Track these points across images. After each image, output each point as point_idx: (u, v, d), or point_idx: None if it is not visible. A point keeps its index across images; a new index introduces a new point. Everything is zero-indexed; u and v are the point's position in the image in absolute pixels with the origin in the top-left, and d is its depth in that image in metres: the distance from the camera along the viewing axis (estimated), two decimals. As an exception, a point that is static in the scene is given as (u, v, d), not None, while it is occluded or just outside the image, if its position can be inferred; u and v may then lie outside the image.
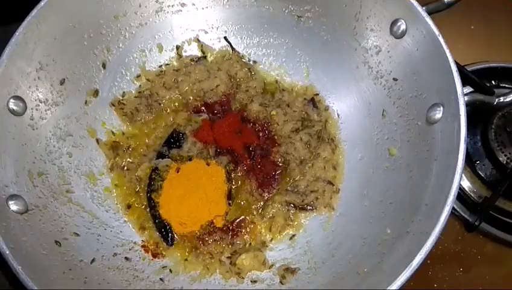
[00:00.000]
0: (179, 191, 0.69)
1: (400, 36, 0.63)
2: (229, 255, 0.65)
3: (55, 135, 0.65)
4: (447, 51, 0.56)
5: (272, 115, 0.74)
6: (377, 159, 0.67)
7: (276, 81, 0.78)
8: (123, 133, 0.73)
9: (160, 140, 0.73)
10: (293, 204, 0.68)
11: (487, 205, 0.71)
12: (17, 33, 0.59)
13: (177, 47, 0.78)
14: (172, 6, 0.75)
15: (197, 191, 0.68)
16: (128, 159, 0.71)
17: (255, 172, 0.71)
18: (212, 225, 0.67)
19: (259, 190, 0.70)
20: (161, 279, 0.62)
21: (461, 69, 0.61)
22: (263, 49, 0.78)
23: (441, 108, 0.57)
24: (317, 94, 0.76)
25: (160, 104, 0.75)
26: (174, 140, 0.73)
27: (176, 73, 0.76)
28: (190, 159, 0.71)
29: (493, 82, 0.81)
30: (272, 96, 0.77)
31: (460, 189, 0.74)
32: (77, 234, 0.61)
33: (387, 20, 0.64)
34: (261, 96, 0.76)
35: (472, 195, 0.74)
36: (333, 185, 0.69)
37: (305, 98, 0.76)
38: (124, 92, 0.74)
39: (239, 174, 0.71)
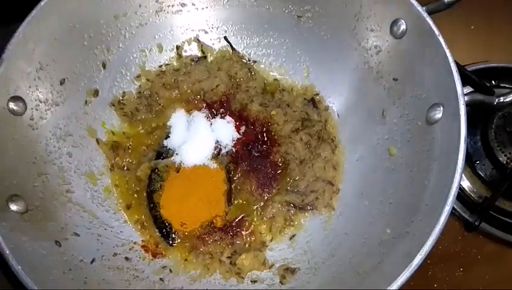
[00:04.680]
0: (179, 191, 0.69)
1: (400, 36, 0.63)
2: (229, 255, 0.65)
3: (55, 135, 0.65)
4: (447, 51, 0.56)
5: (272, 115, 0.74)
6: (377, 159, 0.67)
7: (276, 81, 0.78)
8: (123, 133, 0.73)
9: (160, 140, 0.73)
10: (293, 204, 0.68)
11: (487, 205, 0.71)
12: (17, 33, 0.59)
13: (177, 47, 0.78)
14: (172, 6, 0.75)
15: (197, 191, 0.68)
16: (128, 159, 0.71)
17: (255, 172, 0.71)
18: (212, 225, 0.67)
19: (259, 190, 0.70)
20: (161, 279, 0.62)
21: (461, 69, 0.61)
22: (263, 49, 0.78)
23: (441, 108, 0.57)
24: (317, 94, 0.76)
25: (160, 104, 0.75)
26: (174, 140, 0.73)
27: (176, 73, 0.76)
28: (190, 159, 0.71)
29: (493, 82, 0.81)
30: (272, 96, 0.76)
31: (460, 189, 0.74)
32: (77, 234, 0.61)
33: (387, 20, 0.64)
34: (261, 96, 0.76)
35: (472, 195, 0.74)
36: (333, 185, 0.69)
37: (305, 98, 0.76)
38: (124, 92, 0.74)
39: (239, 174, 0.71)
